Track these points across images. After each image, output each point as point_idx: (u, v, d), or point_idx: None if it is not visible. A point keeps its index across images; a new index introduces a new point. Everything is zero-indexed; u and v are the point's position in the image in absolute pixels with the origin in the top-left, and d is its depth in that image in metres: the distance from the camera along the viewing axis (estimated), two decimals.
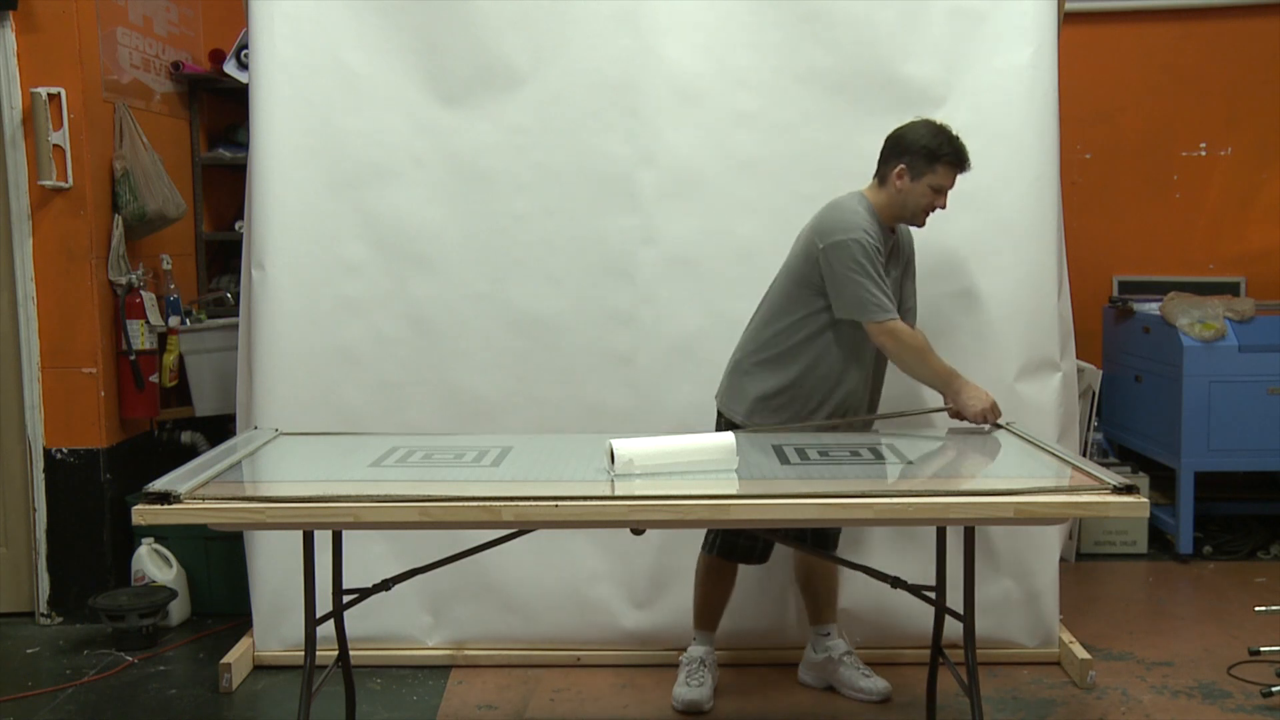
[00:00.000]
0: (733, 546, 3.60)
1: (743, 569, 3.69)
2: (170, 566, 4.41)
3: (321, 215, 3.88)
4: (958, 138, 3.46)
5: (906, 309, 3.62)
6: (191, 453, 4.66)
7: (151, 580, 4.34)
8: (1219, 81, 5.63)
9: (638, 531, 3.00)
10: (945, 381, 3.44)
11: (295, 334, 3.87)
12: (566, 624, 3.96)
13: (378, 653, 3.94)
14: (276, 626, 3.95)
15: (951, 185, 3.48)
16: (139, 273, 4.45)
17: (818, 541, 3.64)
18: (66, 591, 4.43)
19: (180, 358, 4.66)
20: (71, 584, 4.42)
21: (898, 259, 3.60)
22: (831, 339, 3.48)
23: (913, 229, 3.62)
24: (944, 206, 3.50)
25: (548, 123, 3.86)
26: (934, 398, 3.64)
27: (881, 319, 3.38)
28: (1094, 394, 5.00)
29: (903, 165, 3.45)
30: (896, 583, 3.25)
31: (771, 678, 3.86)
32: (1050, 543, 3.96)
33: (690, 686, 3.63)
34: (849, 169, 3.85)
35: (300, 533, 2.96)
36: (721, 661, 3.82)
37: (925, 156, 3.43)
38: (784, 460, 3.06)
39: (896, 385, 3.87)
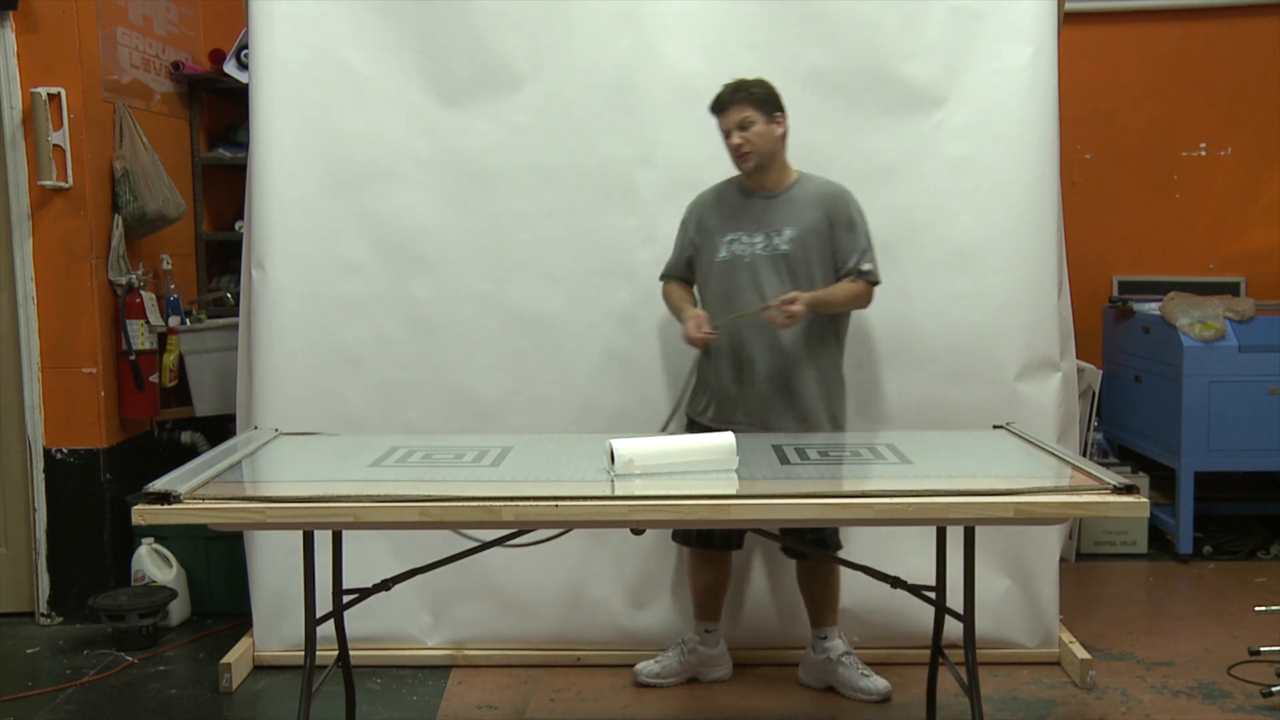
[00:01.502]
0: (687, 535, 3.68)
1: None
2: (170, 566, 4.41)
3: (321, 215, 3.88)
4: (723, 88, 3.52)
5: (780, 261, 3.58)
6: (191, 453, 4.66)
7: (151, 580, 4.34)
8: (1219, 81, 5.63)
9: (638, 531, 3.01)
10: (680, 313, 3.65)
11: (295, 334, 3.87)
12: (566, 624, 3.96)
13: (378, 653, 3.94)
14: (276, 626, 3.95)
15: (730, 126, 3.51)
16: (139, 273, 4.45)
17: (815, 542, 3.65)
18: (66, 591, 4.43)
19: (180, 358, 4.66)
20: (71, 584, 4.42)
21: (755, 214, 3.59)
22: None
23: (853, 192, 3.62)
24: (735, 145, 3.51)
25: (548, 123, 3.87)
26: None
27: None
28: (1094, 394, 5.00)
29: None
30: (896, 583, 3.25)
31: (772, 677, 3.86)
32: (1050, 543, 3.96)
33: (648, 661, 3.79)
34: (849, 169, 3.86)
35: (300, 533, 2.96)
36: None
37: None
38: (784, 460, 3.06)
39: (902, 389, 3.89)
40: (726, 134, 3.52)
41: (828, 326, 3.58)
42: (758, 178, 3.58)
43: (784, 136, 3.57)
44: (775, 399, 3.56)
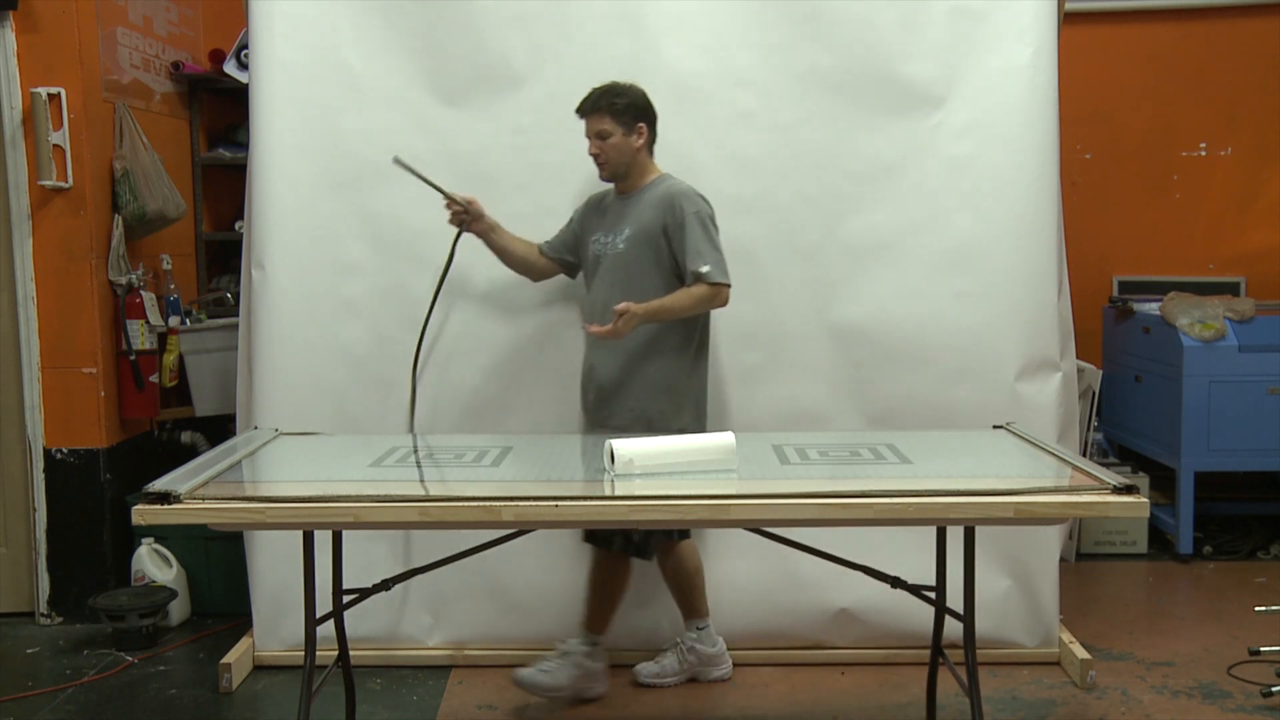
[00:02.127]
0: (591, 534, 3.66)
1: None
2: (170, 566, 4.41)
3: (321, 215, 3.88)
4: (591, 90, 3.55)
5: (604, 262, 3.63)
6: (191, 453, 4.66)
7: (151, 580, 4.34)
8: (1219, 81, 5.63)
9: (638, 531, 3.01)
10: None
11: (295, 334, 3.87)
12: (567, 624, 3.95)
13: (378, 653, 3.94)
14: (276, 626, 3.95)
15: (589, 134, 3.57)
16: (139, 273, 4.45)
17: (625, 543, 3.61)
18: (66, 591, 4.42)
19: (180, 358, 4.66)
20: (71, 584, 4.42)
21: (613, 215, 3.64)
22: None
23: (702, 198, 3.60)
24: (593, 153, 3.58)
25: (548, 122, 3.86)
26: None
27: None
28: (1094, 394, 5.00)
29: None
30: (896, 583, 3.25)
31: (772, 678, 3.86)
32: (1050, 543, 3.96)
33: (533, 668, 3.66)
34: (849, 169, 3.87)
35: (300, 533, 2.96)
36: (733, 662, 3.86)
37: None
38: (784, 460, 3.06)
39: (902, 389, 3.89)
40: (588, 138, 3.57)
41: (666, 330, 3.54)
42: (620, 182, 3.63)
43: (645, 145, 3.60)
44: (609, 400, 3.58)
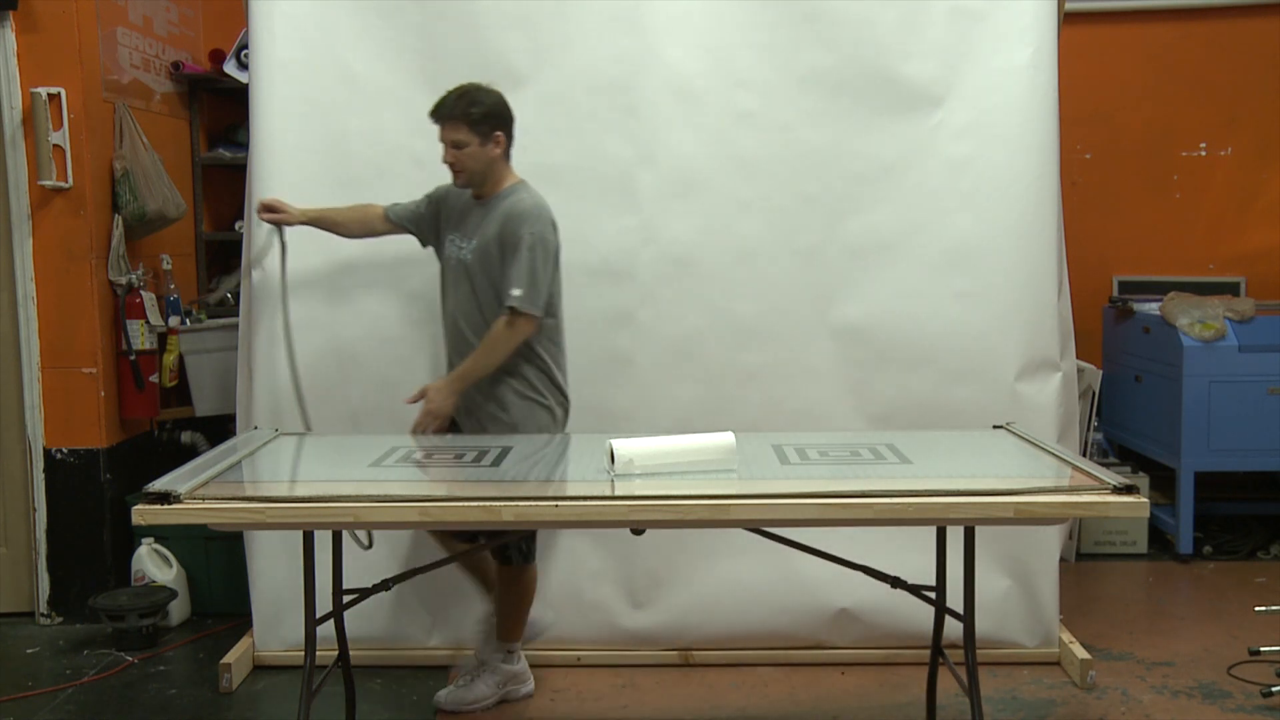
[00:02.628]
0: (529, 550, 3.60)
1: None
2: (170, 566, 4.41)
3: None
4: (447, 94, 3.46)
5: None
6: (191, 453, 4.67)
7: (151, 580, 4.34)
8: (1219, 81, 5.63)
9: (638, 531, 3.01)
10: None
11: (295, 334, 3.86)
12: (566, 624, 3.96)
13: (378, 653, 3.94)
14: (276, 626, 3.95)
15: (445, 141, 3.47)
16: (139, 273, 4.45)
17: (501, 550, 3.56)
18: (66, 591, 4.42)
19: (180, 358, 4.66)
20: (71, 584, 4.42)
21: (467, 219, 3.56)
22: None
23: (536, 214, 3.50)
24: (449, 161, 3.48)
25: (548, 123, 3.86)
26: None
27: None
28: (1094, 394, 5.00)
29: None
30: (896, 583, 3.25)
31: (773, 677, 3.86)
32: (1050, 543, 3.96)
33: (451, 687, 3.66)
34: (849, 169, 3.87)
35: (300, 533, 2.96)
36: (723, 661, 3.87)
37: None
38: (784, 460, 3.06)
39: (902, 389, 3.89)
40: (442, 143, 3.48)
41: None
42: (475, 189, 3.55)
43: (503, 154, 3.52)
44: (471, 404, 3.53)
